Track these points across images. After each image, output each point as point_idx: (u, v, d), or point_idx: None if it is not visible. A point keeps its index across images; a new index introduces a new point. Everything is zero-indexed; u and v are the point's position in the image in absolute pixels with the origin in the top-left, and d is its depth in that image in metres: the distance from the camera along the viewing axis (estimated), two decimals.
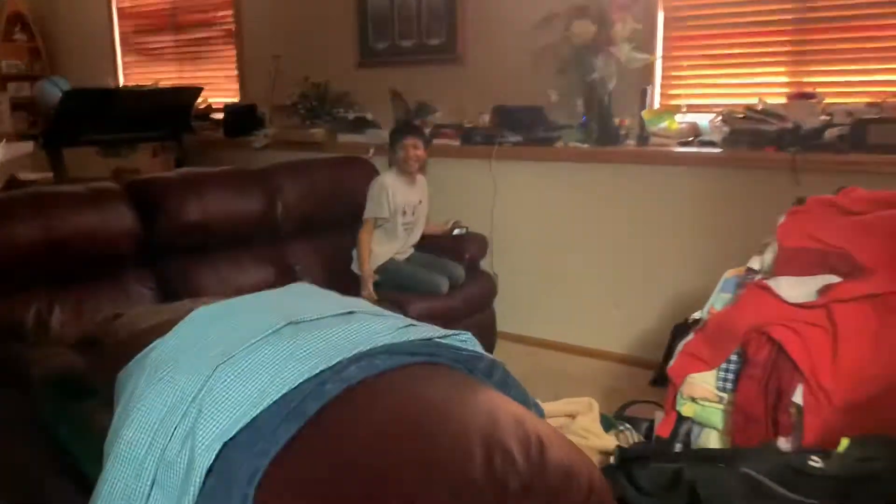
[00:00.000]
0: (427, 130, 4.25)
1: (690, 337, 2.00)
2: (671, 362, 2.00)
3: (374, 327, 1.59)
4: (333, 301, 1.82)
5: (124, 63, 6.18)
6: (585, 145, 3.72)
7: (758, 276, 2.21)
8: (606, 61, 3.60)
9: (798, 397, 1.80)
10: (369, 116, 4.52)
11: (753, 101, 3.42)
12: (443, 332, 1.71)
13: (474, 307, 3.62)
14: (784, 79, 3.48)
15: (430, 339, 1.64)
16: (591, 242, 3.77)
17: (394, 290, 3.41)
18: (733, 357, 1.93)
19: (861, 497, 1.52)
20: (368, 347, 1.49)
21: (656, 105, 3.77)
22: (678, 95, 3.76)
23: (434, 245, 3.75)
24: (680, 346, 1.99)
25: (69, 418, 2.15)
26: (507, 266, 3.94)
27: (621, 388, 3.42)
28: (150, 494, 1.34)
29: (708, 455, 1.80)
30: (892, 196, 2.24)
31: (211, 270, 3.20)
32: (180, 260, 3.14)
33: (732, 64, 3.59)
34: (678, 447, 1.98)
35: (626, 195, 3.64)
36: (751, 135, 3.28)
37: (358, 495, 1.22)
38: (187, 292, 3.03)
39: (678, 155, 3.49)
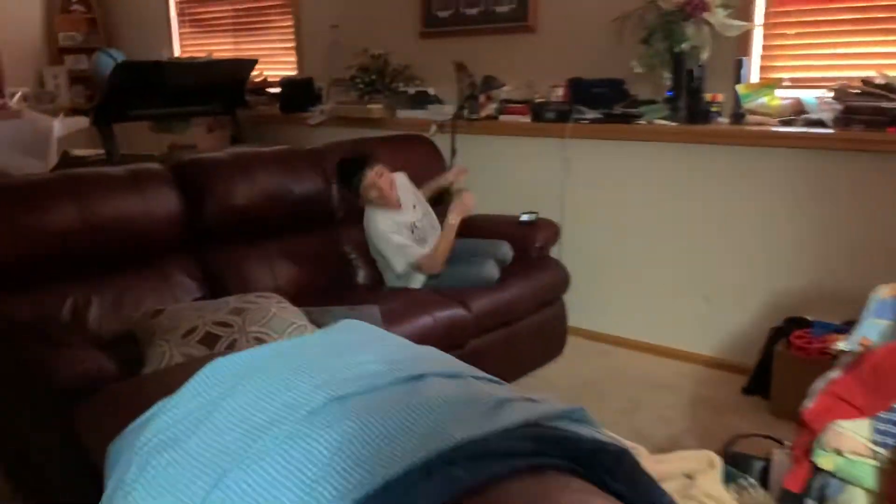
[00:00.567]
0: (493, 106, 3.93)
1: (837, 375, 1.64)
2: (808, 403, 1.64)
3: (454, 410, 1.13)
4: (391, 354, 1.40)
5: (180, 34, 5.99)
6: (672, 123, 3.34)
7: None
8: (698, 29, 3.21)
9: None
10: (431, 91, 4.21)
11: (870, 73, 2.98)
12: (549, 408, 1.26)
13: (544, 300, 3.30)
14: None
15: (534, 425, 1.17)
16: (675, 231, 3.40)
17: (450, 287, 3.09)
18: None
19: None
20: (448, 446, 1.02)
21: (754, 79, 3.35)
22: (779, 68, 3.33)
23: (486, 229, 3.40)
24: (821, 384, 1.63)
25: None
26: (579, 255, 3.61)
27: (710, 396, 3.07)
28: None
29: None
30: None
31: (260, 259, 2.97)
32: (228, 247, 2.91)
33: (845, 31, 3.14)
34: None
35: (718, 180, 3.26)
36: (869, 113, 2.85)
37: None
38: (235, 283, 2.82)
39: (779, 135, 3.08)
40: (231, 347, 2.02)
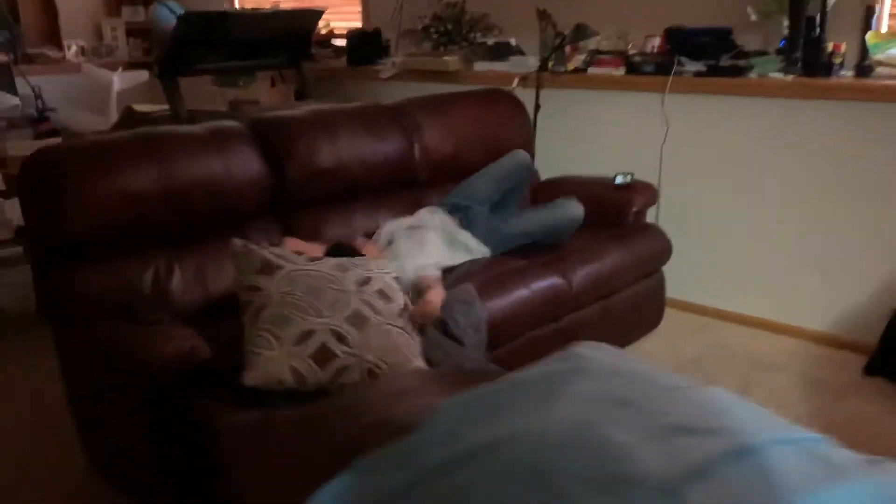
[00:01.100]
0: (581, 58, 3.65)
1: None
2: None
3: None
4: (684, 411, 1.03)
5: None
6: (788, 77, 3.03)
7: None
8: None
9: None
10: (513, 42, 3.93)
11: None
12: None
13: (645, 271, 3.06)
14: None
15: None
16: (788, 197, 3.11)
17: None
18: None
19: None
20: None
21: (885, 27, 3.01)
22: None
23: (577, 192, 3.06)
24: None
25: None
26: (677, 221, 3.34)
27: (827, 378, 2.82)
28: None
29: None
30: None
31: (343, 223, 2.78)
32: (311, 212, 2.72)
33: None
34: None
35: (840, 139, 2.95)
36: None
37: None
38: None
39: None
40: (339, 375, 1.78)
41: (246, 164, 2.50)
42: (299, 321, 1.79)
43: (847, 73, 2.98)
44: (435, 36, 4.13)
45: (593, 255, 2.85)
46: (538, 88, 3.67)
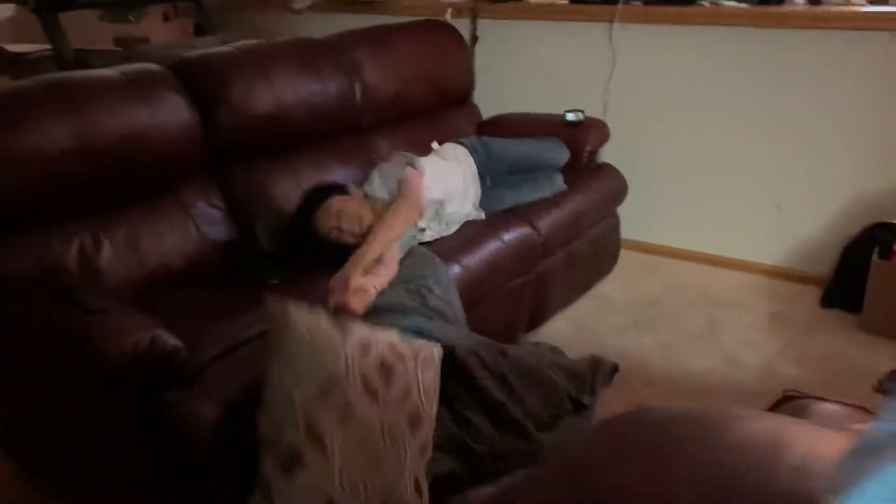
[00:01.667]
0: None
1: None
2: None
3: None
4: None
5: None
6: (740, 4, 2.92)
7: None
8: None
9: None
10: None
11: None
12: None
13: (605, 212, 2.94)
14: None
15: None
16: (742, 131, 3.03)
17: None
18: None
19: None
20: None
21: None
22: None
23: (530, 130, 2.92)
24: None
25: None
26: (627, 160, 3.20)
27: (788, 312, 2.81)
28: None
29: None
30: None
31: (286, 176, 2.48)
32: (248, 164, 2.40)
33: None
34: None
35: (793, 70, 2.87)
36: None
37: None
38: (262, 207, 2.35)
39: (868, 16, 2.70)
40: None
41: (173, 113, 2.15)
42: (332, 360, 1.50)
43: (801, 0, 2.90)
44: None
45: (556, 201, 2.69)
46: (474, 18, 3.42)
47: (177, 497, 1.63)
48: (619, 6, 3.08)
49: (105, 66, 2.17)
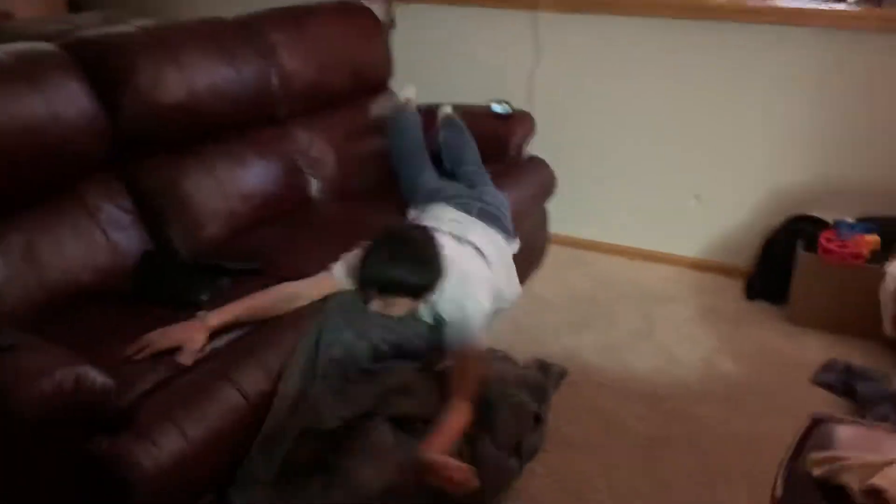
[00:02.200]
0: None
1: None
2: None
3: None
4: None
5: None
6: None
7: None
8: None
9: None
10: None
11: None
12: None
13: (534, 206, 2.84)
14: None
15: None
16: (664, 123, 3.01)
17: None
18: None
19: None
20: None
21: None
22: None
23: None
24: None
25: None
26: (550, 152, 3.11)
27: (719, 307, 2.82)
28: None
29: None
30: None
31: (201, 171, 2.21)
32: (157, 158, 2.13)
33: None
34: None
35: (717, 63, 2.87)
36: None
37: None
38: (175, 208, 2.10)
39: (790, 11, 2.73)
40: None
41: (71, 101, 1.85)
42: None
43: None
44: None
45: None
46: (390, 2, 3.23)
47: None
48: None
49: None
